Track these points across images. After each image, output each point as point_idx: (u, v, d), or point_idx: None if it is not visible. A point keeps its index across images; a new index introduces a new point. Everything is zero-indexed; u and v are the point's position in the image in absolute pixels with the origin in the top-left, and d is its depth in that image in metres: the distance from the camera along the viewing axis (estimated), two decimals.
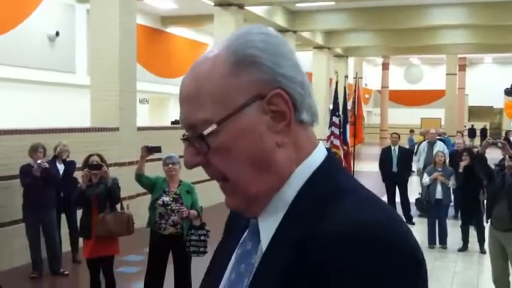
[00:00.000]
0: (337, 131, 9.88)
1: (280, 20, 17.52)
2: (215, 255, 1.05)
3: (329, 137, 9.91)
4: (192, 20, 19.14)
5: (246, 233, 0.96)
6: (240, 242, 0.96)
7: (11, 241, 7.46)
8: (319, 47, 22.01)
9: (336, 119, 9.92)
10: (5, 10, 12.92)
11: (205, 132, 0.87)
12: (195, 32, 21.16)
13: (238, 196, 0.90)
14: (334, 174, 0.89)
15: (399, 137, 10.98)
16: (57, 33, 14.59)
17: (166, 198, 5.41)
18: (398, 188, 10.77)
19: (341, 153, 9.75)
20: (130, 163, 8.78)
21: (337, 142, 9.78)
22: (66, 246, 7.85)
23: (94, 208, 5.50)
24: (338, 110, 10.05)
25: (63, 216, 7.72)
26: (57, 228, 7.49)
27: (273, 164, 0.87)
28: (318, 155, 0.91)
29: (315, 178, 0.88)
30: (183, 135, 0.91)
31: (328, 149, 0.96)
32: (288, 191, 0.88)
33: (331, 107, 11.20)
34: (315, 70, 22.32)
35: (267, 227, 0.89)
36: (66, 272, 7.29)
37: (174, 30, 20.25)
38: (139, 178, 5.57)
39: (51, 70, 14.23)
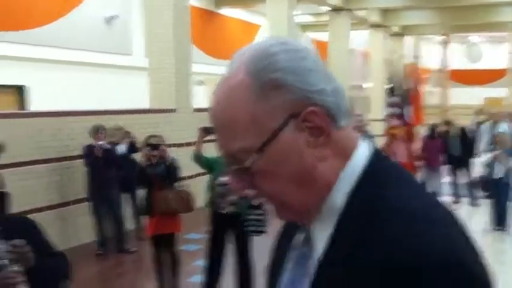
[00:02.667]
0: (395, 112, 9.65)
1: None
2: (278, 243, 1.06)
3: (387, 118, 9.69)
4: (245, 1, 19.07)
5: (300, 235, 0.96)
6: (295, 243, 0.97)
7: (76, 219, 7.71)
8: (375, 26, 21.54)
9: (394, 99, 9.68)
10: None
11: (246, 164, 0.86)
12: (248, 12, 21.09)
13: (289, 212, 0.91)
14: (381, 176, 0.87)
15: (450, 123, 10.91)
16: (114, 16, 14.82)
17: (224, 178, 5.42)
18: (461, 170, 10.66)
19: (401, 134, 9.52)
20: (188, 144, 8.87)
21: (396, 123, 9.54)
22: (131, 224, 8.05)
23: (155, 187, 5.59)
24: (396, 90, 9.80)
25: (127, 195, 7.92)
26: (121, 207, 7.69)
27: (317, 177, 0.87)
28: (361, 156, 0.89)
29: (362, 183, 0.86)
30: (225, 162, 0.90)
31: (370, 143, 0.93)
32: (336, 198, 0.87)
33: (387, 87, 10.96)
34: (371, 50, 21.89)
35: (320, 234, 0.88)
36: (134, 249, 7.48)
37: (227, 11, 20.25)
38: (198, 158, 5.61)
39: (108, 52, 14.48)
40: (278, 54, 0.85)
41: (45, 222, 7.10)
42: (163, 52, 9.78)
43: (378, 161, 0.89)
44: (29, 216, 6.66)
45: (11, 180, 6.69)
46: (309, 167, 0.85)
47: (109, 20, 14.76)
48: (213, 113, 0.89)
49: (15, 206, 6.60)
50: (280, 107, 0.84)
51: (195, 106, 10.34)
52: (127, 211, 8.01)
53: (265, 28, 15.46)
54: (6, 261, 2.20)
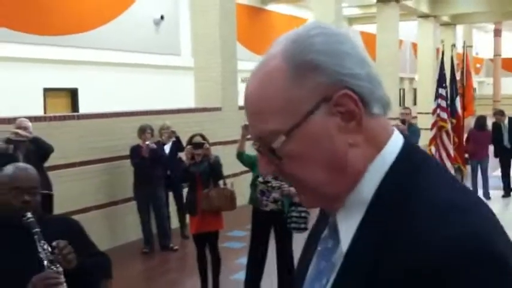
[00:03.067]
0: (444, 104, 9.43)
1: None
2: (308, 241, 1.05)
3: (435, 110, 9.48)
4: None
5: (326, 230, 0.95)
6: (322, 237, 0.95)
7: (124, 218, 7.92)
8: (424, 16, 21.07)
9: (442, 91, 9.46)
10: None
11: (275, 145, 0.86)
12: (294, 7, 21.03)
13: (316, 197, 0.89)
14: (412, 167, 0.85)
15: (503, 113, 10.55)
16: (162, 17, 15.09)
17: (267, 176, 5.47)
18: None
19: (448, 126, 9.31)
20: (233, 142, 8.94)
21: (444, 115, 9.33)
22: (175, 222, 8.22)
23: (198, 185, 5.69)
24: (445, 82, 9.58)
25: (171, 193, 8.09)
26: (166, 205, 7.86)
27: (347, 164, 0.85)
28: (392, 148, 0.87)
29: (392, 175, 0.85)
30: (254, 144, 0.91)
31: (403, 135, 0.91)
32: (365, 188, 0.86)
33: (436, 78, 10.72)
34: (421, 40, 21.44)
35: (346, 226, 0.86)
36: (176, 247, 7.63)
37: (273, 7, 20.26)
38: (240, 156, 5.68)
39: (157, 53, 14.77)
40: (314, 37, 0.86)
41: (94, 221, 7.40)
42: (209, 51, 9.91)
43: (411, 153, 0.88)
44: (78, 215, 6.94)
45: (62, 180, 6.94)
46: (338, 153, 0.85)
47: (158, 22, 15.05)
48: (246, 96, 0.89)
49: (65, 206, 6.85)
50: (313, 90, 0.84)
51: (241, 104, 10.42)
52: (172, 209, 8.18)
53: None
54: (47, 262, 2.24)
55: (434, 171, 0.86)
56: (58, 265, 2.26)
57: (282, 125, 0.85)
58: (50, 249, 2.27)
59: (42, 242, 2.29)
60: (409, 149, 0.88)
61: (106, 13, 13.40)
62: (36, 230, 2.30)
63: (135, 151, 7.32)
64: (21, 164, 2.56)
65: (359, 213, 0.85)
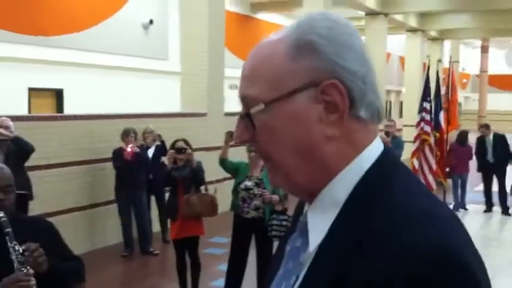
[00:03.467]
0: (428, 117, 9.51)
1: (371, 2, 17.08)
2: (280, 244, 1.04)
3: (419, 123, 9.57)
4: (281, 5, 19.12)
5: (296, 229, 0.94)
6: (291, 237, 0.94)
7: (105, 220, 7.87)
8: (412, 30, 21.26)
9: (426, 105, 9.54)
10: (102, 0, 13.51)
11: (252, 110, 0.86)
12: (283, 17, 21.12)
13: (280, 177, 0.89)
14: (388, 174, 0.85)
15: (488, 127, 10.72)
16: (151, 21, 15.08)
17: (248, 183, 5.47)
18: (496, 177, 10.46)
19: (431, 140, 9.39)
20: (218, 148, 8.93)
21: (427, 128, 9.41)
22: (156, 227, 8.18)
23: (180, 190, 5.67)
24: (429, 96, 9.67)
25: (153, 197, 8.05)
26: (148, 209, 7.82)
27: (318, 155, 0.85)
28: (372, 153, 0.87)
29: (367, 180, 0.84)
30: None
31: (385, 145, 0.91)
32: (339, 189, 0.85)
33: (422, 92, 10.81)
34: (408, 54, 21.61)
35: (316, 226, 0.85)
36: (156, 252, 7.59)
37: (263, 16, 20.34)
38: (223, 163, 5.68)
39: (145, 57, 14.75)
40: (321, 21, 0.86)
41: (74, 223, 7.35)
42: (197, 57, 9.91)
43: (389, 161, 0.87)
44: (58, 216, 6.89)
45: (43, 181, 6.89)
46: (312, 141, 0.84)
47: (146, 26, 15.03)
48: (246, 59, 0.90)
49: (46, 207, 6.80)
50: (306, 71, 0.83)
51: (228, 110, 10.43)
52: (154, 213, 8.14)
53: None
54: (17, 264, 2.23)
55: (409, 180, 0.86)
56: (28, 268, 2.24)
57: (265, 93, 0.85)
58: (21, 250, 2.26)
59: (14, 242, 2.27)
60: (388, 157, 0.88)
61: (95, 15, 13.35)
62: (8, 230, 2.28)
63: (118, 154, 7.29)
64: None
65: (330, 215, 0.84)
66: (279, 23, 21.14)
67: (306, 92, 0.84)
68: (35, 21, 11.87)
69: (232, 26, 16.45)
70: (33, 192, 6.38)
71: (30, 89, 12.29)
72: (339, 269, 0.78)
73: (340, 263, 0.79)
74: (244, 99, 0.89)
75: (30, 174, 6.43)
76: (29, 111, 11.88)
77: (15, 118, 6.51)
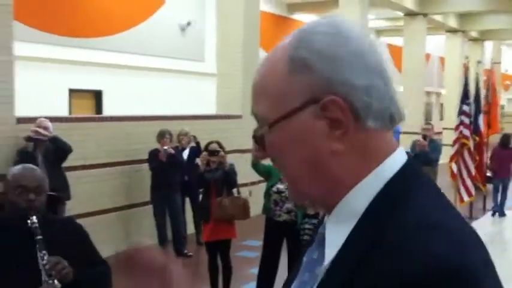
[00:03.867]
0: (467, 120, 9.33)
1: (409, 2, 16.85)
2: (302, 253, 1.03)
3: (458, 127, 9.39)
4: (317, 6, 19.02)
5: (314, 241, 0.93)
6: (309, 248, 0.93)
7: (141, 221, 7.97)
8: (452, 31, 20.89)
9: (465, 108, 9.36)
10: (140, 1, 13.70)
11: (260, 132, 0.88)
12: (321, 17, 21.01)
13: (296, 192, 0.90)
14: (409, 186, 0.82)
15: None
16: (189, 23, 15.20)
17: (281, 186, 5.46)
18: None
19: (471, 144, 9.20)
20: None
21: (466, 132, 9.23)
22: (191, 228, 8.24)
23: (212, 192, 5.70)
24: (468, 98, 9.48)
25: (188, 199, 8.12)
26: (182, 211, 7.89)
27: (329, 170, 0.84)
28: (392, 163, 0.84)
29: (386, 193, 0.82)
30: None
31: (408, 155, 0.88)
32: (356, 200, 0.83)
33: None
34: (448, 55, 21.25)
35: (332, 239, 0.84)
36: (190, 253, 7.64)
37: (299, 16, 20.28)
38: (255, 166, 5.67)
39: (182, 59, 14.88)
40: (317, 34, 0.84)
41: (110, 223, 7.47)
42: (232, 58, 9.96)
43: (410, 173, 0.85)
44: (95, 217, 7.01)
45: (80, 182, 7.02)
46: (319, 156, 0.83)
47: (184, 27, 15.16)
48: (253, 79, 0.91)
49: (83, 207, 6.93)
50: (303, 88, 0.82)
51: None
52: (189, 215, 8.21)
53: None
54: (45, 276, 2.25)
55: (430, 193, 0.84)
56: (55, 281, 2.26)
57: (269, 113, 0.85)
58: (47, 262, 2.28)
59: (43, 252, 2.30)
60: (409, 169, 0.86)
61: (133, 17, 13.55)
62: (39, 238, 2.31)
63: (153, 155, 7.38)
64: (29, 165, 2.59)
65: (348, 227, 0.83)
66: None
67: (308, 110, 0.82)
68: (76, 24, 12.11)
69: (268, 27, 16.44)
70: (70, 192, 6.53)
71: (71, 90, 12.55)
72: (346, 279, 0.78)
73: (348, 274, 0.78)
74: (255, 117, 0.90)
75: (67, 174, 6.57)
76: (70, 112, 12.13)
77: (53, 119, 6.66)
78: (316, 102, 0.82)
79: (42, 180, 2.47)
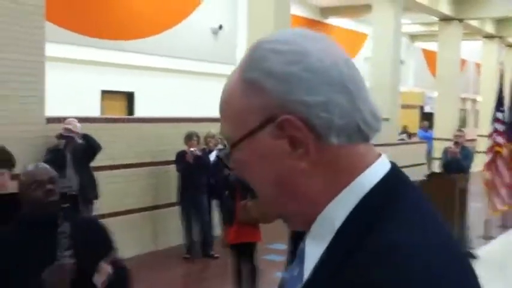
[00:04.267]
0: (501, 128, 9.12)
1: (445, 7, 16.59)
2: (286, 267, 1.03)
3: (491, 134, 9.19)
4: (351, 10, 18.93)
5: (296, 258, 0.90)
6: (291, 266, 0.91)
7: (168, 222, 8.01)
8: (489, 36, 20.49)
9: (499, 115, 9.15)
10: (173, 5, 13.83)
11: (224, 152, 0.90)
12: (355, 22, 20.89)
13: (269, 209, 0.88)
14: (383, 203, 0.78)
15: None
16: (220, 27, 15.28)
17: None
18: None
19: (504, 152, 8.98)
20: None
21: (500, 140, 9.02)
22: (218, 230, 8.24)
23: (237, 194, 5.68)
24: (502, 105, 9.26)
25: (215, 201, 8.12)
26: (209, 213, 7.90)
27: (296, 189, 0.82)
28: (369, 176, 0.81)
29: (364, 206, 0.79)
30: None
31: (392, 165, 0.84)
32: (331, 217, 0.80)
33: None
34: (485, 61, 20.85)
35: (312, 253, 0.82)
36: (217, 255, 7.64)
37: (333, 20, 20.20)
38: None
39: (213, 62, 14.95)
40: (266, 53, 0.82)
41: (137, 223, 7.53)
42: None
43: (391, 186, 0.80)
44: (122, 217, 7.07)
45: (107, 181, 7.09)
46: (285, 177, 0.82)
47: (216, 31, 15.25)
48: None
49: (110, 206, 6.99)
50: (259, 108, 0.81)
51: None
52: (215, 217, 8.21)
53: (372, 37, 15.25)
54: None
55: (409, 207, 0.79)
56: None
57: (232, 133, 0.85)
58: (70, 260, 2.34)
59: (65, 249, 2.36)
60: (391, 180, 0.81)
61: (166, 21, 13.69)
62: (62, 234, 2.37)
63: (181, 157, 7.42)
64: (38, 163, 2.73)
65: (325, 241, 0.80)
66: (348, 28, 20.95)
67: (266, 130, 0.81)
68: (109, 26, 12.30)
69: None
70: (98, 191, 6.60)
71: (103, 92, 12.73)
72: None
73: None
74: (223, 137, 0.91)
75: (96, 174, 6.64)
76: (102, 113, 12.31)
77: (82, 119, 6.75)
78: (272, 121, 0.80)
79: (53, 172, 2.58)
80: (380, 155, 0.84)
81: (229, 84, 0.87)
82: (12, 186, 2.96)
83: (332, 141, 0.80)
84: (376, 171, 0.81)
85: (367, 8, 15.28)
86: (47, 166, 2.62)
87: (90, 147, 6.42)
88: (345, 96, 0.80)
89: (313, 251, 0.82)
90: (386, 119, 13.80)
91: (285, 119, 0.79)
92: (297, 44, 0.82)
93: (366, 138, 0.83)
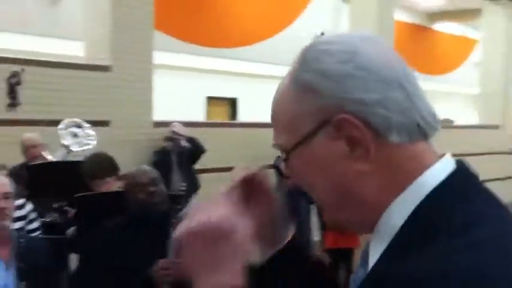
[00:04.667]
0: None
1: None
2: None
3: None
4: (460, 15, 18.17)
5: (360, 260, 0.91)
6: (358, 269, 0.91)
7: None
8: None
9: None
10: (277, 13, 14.02)
11: (279, 162, 0.88)
12: (464, 27, 20.04)
13: (328, 216, 0.86)
14: (449, 204, 0.75)
15: None
16: (322, 34, 15.26)
17: None
18: None
19: None
20: None
21: None
22: (317, 234, 8.23)
23: None
24: None
25: (314, 206, 8.13)
26: (308, 217, 7.90)
27: (357, 193, 0.79)
28: (430, 177, 0.78)
29: (424, 208, 0.76)
30: None
31: (458, 164, 0.81)
32: (392, 219, 0.78)
33: None
34: None
35: (374, 255, 0.80)
36: None
37: (440, 26, 19.52)
38: None
39: None
40: (318, 54, 0.81)
41: None
42: None
43: (454, 187, 0.77)
44: None
45: (212, 184, 7.31)
46: (345, 181, 0.79)
47: (318, 38, 15.26)
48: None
49: None
50: (313, 111, 0.80)
51: None
52: (314, 222, 8.19)
53: (482, 42, 14.59)
54: None
55: (474, 210, 0.76)
56: None
57: (286, 141, 0.83)
58: None
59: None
60: (456, 181, 0.78)
61: (268, 29, 13.88)
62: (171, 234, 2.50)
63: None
64: (140, 166, 2.96)
65: (387, 241, 0.79)
66: (458, 34, 20.15)
67: (322, 132, 0.79)
68: (214, 35, 12.68)
69: (406, 37, 16.02)
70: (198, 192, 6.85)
71: (208, 98, 13.15)
72: None
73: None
74: (278, 147, 0.87)
75: (199, 176, 6.90)
76: (207, 119, 12.72)
77: (187, 124, 7.04)
78: (328, 122, 0.78)
79: (154, 174, 2.75)
80: (443, 155, 0.81)
81: (279, 91, 0.86)
82: (116, 186, 3.21)
83: (392, 139, 0.77)
84: (439, 171, 0.79)
85: (476, 12, 14.64)
86: (148, 168, 2.79)
87: (196, 150, 6.69)
88: (401, 93, 0.79)
89: (374, 253, 0.80)
90: (496, 127, 13.12)
91: (341, 118, 0.77)
92: (346, 44, 0.81)
93: (425, 137, 0.81)
